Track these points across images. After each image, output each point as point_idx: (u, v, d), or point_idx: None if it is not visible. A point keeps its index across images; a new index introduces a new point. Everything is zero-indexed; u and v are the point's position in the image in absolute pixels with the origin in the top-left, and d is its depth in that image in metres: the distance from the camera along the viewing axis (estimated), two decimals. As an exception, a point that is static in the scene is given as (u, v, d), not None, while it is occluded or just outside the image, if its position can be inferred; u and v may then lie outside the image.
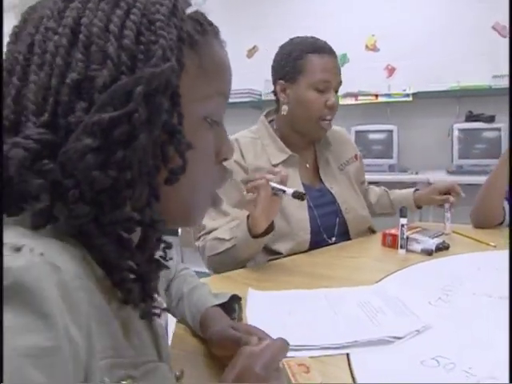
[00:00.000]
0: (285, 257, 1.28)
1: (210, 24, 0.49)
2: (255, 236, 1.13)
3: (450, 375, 0.63)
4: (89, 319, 0.36)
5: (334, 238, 1.39)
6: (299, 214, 1.32)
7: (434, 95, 3.22)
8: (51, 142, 0.39)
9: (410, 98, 3.26)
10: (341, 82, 1.38)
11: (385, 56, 3.48)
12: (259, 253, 1.25)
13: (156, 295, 0.49)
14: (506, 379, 0.59)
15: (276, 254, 1.29)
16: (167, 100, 0.42)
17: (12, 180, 0.38)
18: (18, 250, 0.34)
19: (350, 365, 0.67)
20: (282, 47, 1.40)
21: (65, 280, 0.35)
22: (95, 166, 0.38)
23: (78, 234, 0.40)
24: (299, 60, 1.34)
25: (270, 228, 1.15)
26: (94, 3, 0.42)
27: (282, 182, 1.06)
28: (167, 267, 0.52)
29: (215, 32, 0.50)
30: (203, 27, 0.47)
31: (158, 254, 0.50)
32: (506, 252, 1.12)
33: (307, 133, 1.41)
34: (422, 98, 3.27)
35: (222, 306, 0.78)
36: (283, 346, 0.55)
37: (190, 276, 0.87)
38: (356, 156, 1.56)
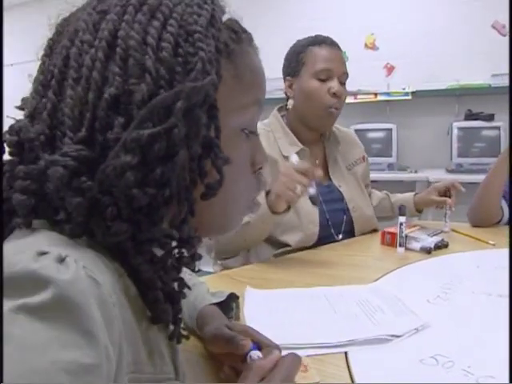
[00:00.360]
0: (292, 251, 1.28)
1: (245, 31, 0.48)
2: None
3: (449, 374, 0.63)
4: (120, 335, 0.36)
5: (340, 235, 1.40)
6: (309, 207, 1.33)
7: (434, 94, 3.22)
8: (88, 158, 0.38)
9: (410, 97, 3.25)
10: (346, 73, 1.39)
11: (384, 54, 3.47)
12: (266, 246, 1.26)
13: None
14: (506, 378, 0.58)
15: (284, 247, 1.29)
16: (205, 114, 0.41)
17: (47, 195, 0.38)
18: (61, 260, 0.33)
19: (348, 363, 0.67)
20: (289, 48, 1.44)
21: (104, 295, 0.34)
22: (134, 183, 0.37)
23: (112, 249, 0.39)
24: (301, 53, 1.37)
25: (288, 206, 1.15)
26: (131, 15, 0.41)
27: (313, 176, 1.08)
28: (189, 287, 0.50)
29: (249, 39, 0.49)
30: (238, 35, 0.46)
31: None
32: (506, 250, 1.12)
33: (315, 125, 1.41)
34: (422, 97, 3.26)
35: (220, 304, 0.78)
36: (295, 361, 0.53)
37: (188, 274, 0.87)
38: (363, 157, 1.57)
